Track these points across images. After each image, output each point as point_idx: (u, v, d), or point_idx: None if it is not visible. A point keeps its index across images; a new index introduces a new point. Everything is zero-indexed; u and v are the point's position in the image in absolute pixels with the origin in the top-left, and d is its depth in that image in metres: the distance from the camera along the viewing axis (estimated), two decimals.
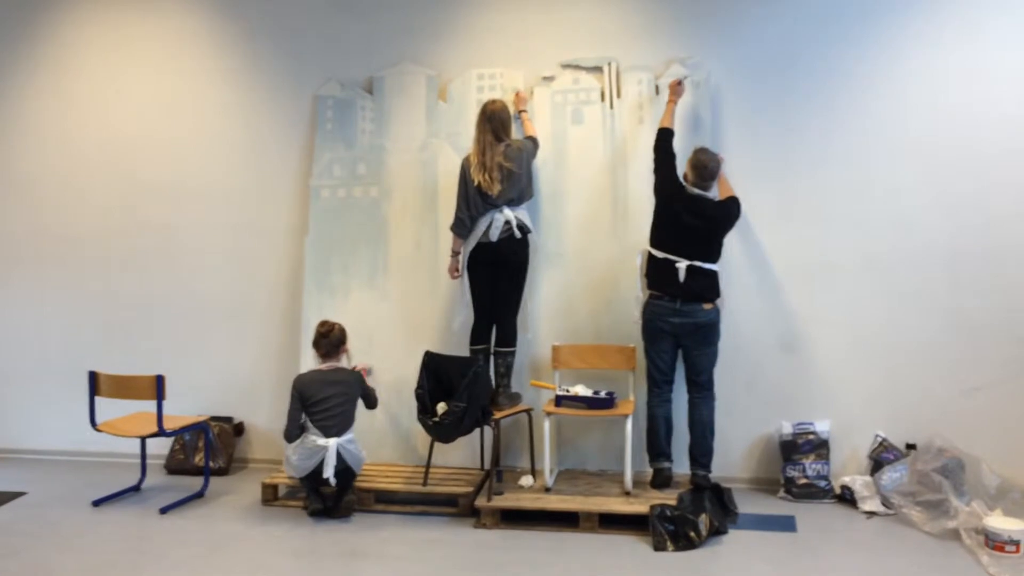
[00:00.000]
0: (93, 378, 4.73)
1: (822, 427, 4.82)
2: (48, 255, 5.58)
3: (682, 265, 4.47)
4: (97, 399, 4.74)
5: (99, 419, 4.75)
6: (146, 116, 5.48)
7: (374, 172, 5.20)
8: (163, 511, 4.59)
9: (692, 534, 4.11)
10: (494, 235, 4.67)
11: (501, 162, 4.58)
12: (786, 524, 4.39)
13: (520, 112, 4.97)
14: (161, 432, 4.62)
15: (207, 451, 5.01)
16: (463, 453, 4.98)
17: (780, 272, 4.93)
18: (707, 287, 4.52)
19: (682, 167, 4.63)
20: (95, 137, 5.53)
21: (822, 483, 4.73)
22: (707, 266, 4.51)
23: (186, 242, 5.46)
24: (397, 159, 5.18)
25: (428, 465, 4.73)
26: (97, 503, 4.71)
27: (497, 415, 4.61)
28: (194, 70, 5.43)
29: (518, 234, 4.68)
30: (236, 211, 5.41)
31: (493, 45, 5.15)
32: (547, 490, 4.57)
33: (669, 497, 4.40)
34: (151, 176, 5.48)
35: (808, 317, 4.91)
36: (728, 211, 4.57)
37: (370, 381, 4.77)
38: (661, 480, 4.61)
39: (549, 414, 4.61)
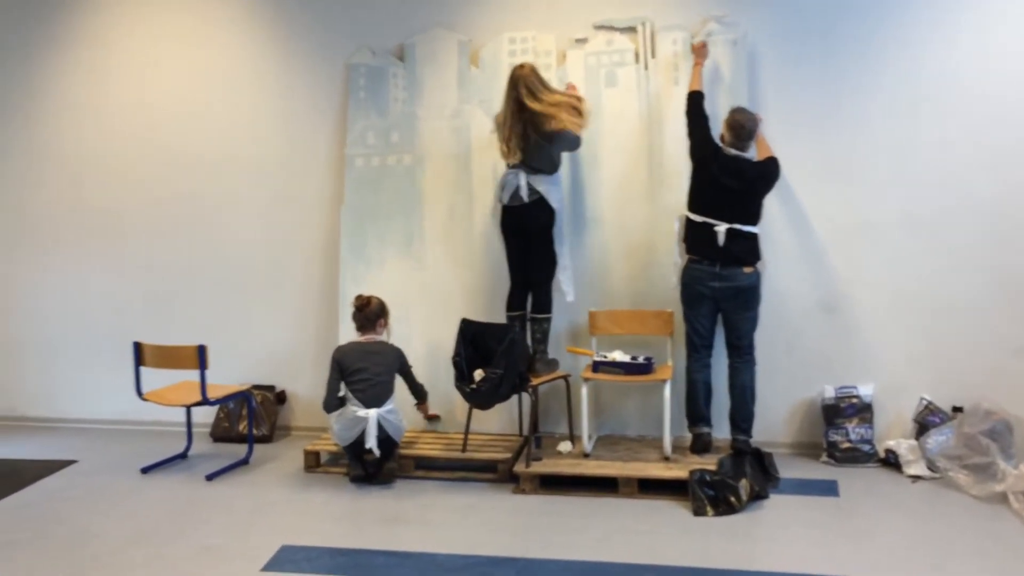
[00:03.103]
0: (138, 349, 4.82)
1: (865, 390, 4.74)
2: (89, 229, 5.67)
3: (721, 228, 4.40)
4: (142, 369, 4.84)
5: (145, 389, 4.84)
6: (181, 88, 5.51)
7: (407, 140, 5.19)
8: (209, 478, 4.68)
9: (732, 499, 4.09)
10: (504, 198, 4.63)
11: (522, 132, 4.50)
12: (828, 489, 4.35)
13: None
14: (205, 401, 4.71)
15: (250, 419, 5.09)
16: (501, 419, 4.99)
17: (821, 233, 4.83)
18: (747, 250, 4.45)
19: (718, 128, 4.54)
20: (131, 110, 5.57)
21: (866, 447, 4.67)
22: (747, 229, 4.44)
23: (224, 213, 5.51)
24: (430, 126, 5.16)
25: (467, 431, 4.76)
26: (146, 470, 4.82)
27: (535, 381, 4.61)
28: (228, 41, 5.44)
29: (526, 200, 4.60)
30: (272, 181, 5.44)
31: (524, 8, 5.07)
32: (586, 456, 4.57)
33: (709, 462, 4.37)
34: (188, 148, 5.52)
35: (850, 278, 4.82)
36: (767, 171, 4.48)
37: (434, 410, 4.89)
38: (701, 445, 4.58)
39: (587, 380, 4.60)
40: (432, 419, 4.91)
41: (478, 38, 5.13)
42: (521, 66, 4.59)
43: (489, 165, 4.95)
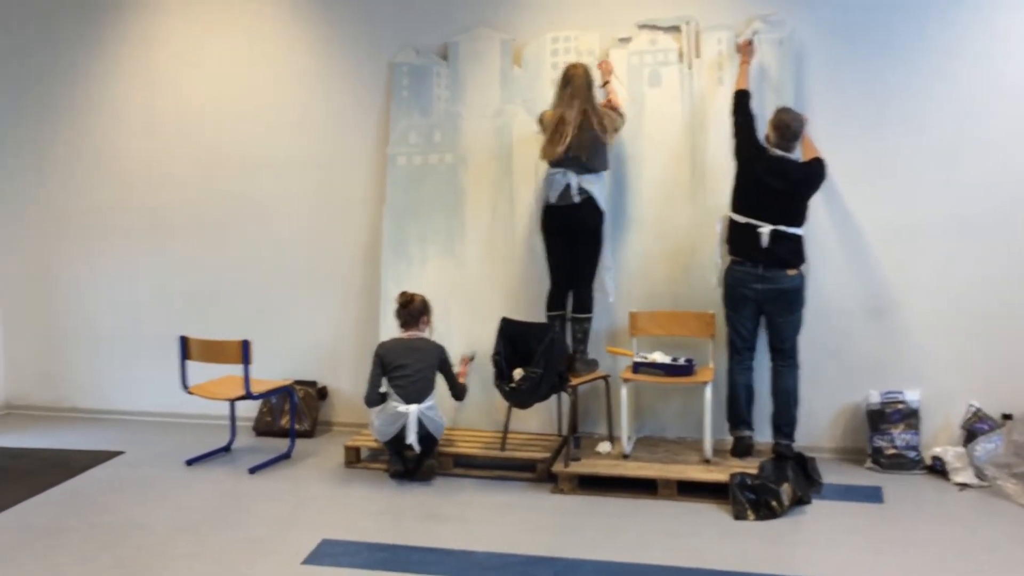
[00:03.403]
0: (184, 343, 4.91)
1: (912, 396, 4.66)
2: (136, 225, 5.77)
3: (765, 230, 4.35)
4: (187, 363, 4.92)
5: (190, 382, 4.92)
6: (225, 88, 5.59)
7: (449, 139, 5.21)
8: (252, 471, 4.74)
9: (774, 503, 4.05)
10: (552, 197, 4.62)
11: (576, 130, 4.49)
12: (873, 495, 4.28)
13: (605, 82, 4.84)
14: (248, 395, 4.78)
15: (292, 414, 5.15)
16: (540, 419, 4.99)
17: (867, 235, 4.76)
18: (791, 252, 4.39)
19: (764, 128, 4.49)
20: (176, 110, 5.66)
21: (911, 454, 4.59)
22: (791, 230, 4.38)
23: (267, 210, 5.58)
24: (472, 125, 5.17)
25: (506, 430, 4.76)
26: (190, 462, 4.90)
27: (574, 381, 4.60)
28: (272, 41, 5.50)
29: (577, 199, 4.60)
30: (315, 179, 5.50)
31: (568, 7, 5.06)
32: (625, 457, 4.55)
33: (750, 466, 4.33)
34: (232, 146, 5.60)
35: (897, 282, 4.74)
36: (813, 172, 4.42)
37: (470, 368, 4.88)
38: (742, 448, 4.54)
39: (626, 381, 4.58)
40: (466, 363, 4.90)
41: (521, 37, 5.13)
42: (575, 65, 4.61)
43: (531, 164, 4.94)
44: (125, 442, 5.30)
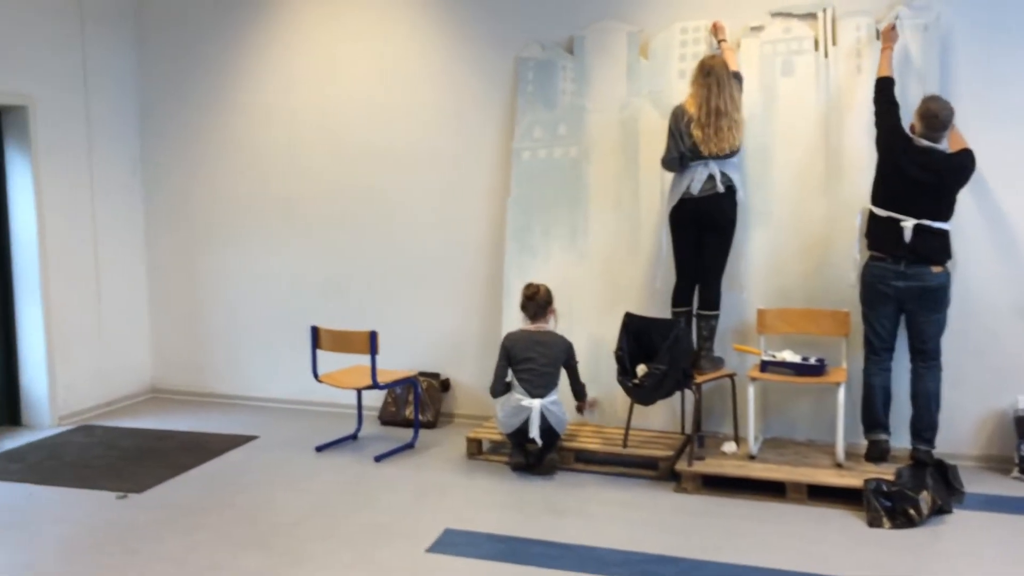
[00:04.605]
0: (315, 333, 5.07)
1: None
2: (272, 219, 6.00)
3: (908, 224, 4.15)
4: (318, 352, 5.08)
5: (320, 371, 5.09)
6: (358, 86, 5.74)
7: (574, 133, 5.18)
8: (377, 459, 4.86)
9: (912, 512, 3.85)
10: (695, 188, 4.53)
11: (723, 117, 4.43)
12: (1019, 507, 4.04)
13: (719, 41, 4.76)
14: (375, 385, 4.90)
15: (416, 405, 5.25)
16: (663, 416, 4.92)
17: (1019, 231, 4.47)
18: (936, 248, 4.17)
19: (908, 118, 4.27)
20: (313, 107, 5.85)
21: None
22: (937, 225, 4.16)
23: (395, 204, 5.70)
24: (597, 119, 5.13)
25: (627, 427, 4.71)
26: (320, 448, 5.06)
27: (699, 379, 4.51)
28: (403, 40, 5.61)
29: (721, 189, 4.51)
30: (442, 173, 5.58)
31: None
32: (751, 458, 4.43)
33: (885, 471, 4.14)
34: (363, 141, 5.75)
35: None
36: (962, 164, 4.18)
37: (589, 410, 4.84)
38: (877, 453, 4.34)
39: (754, 379, 4.45)
40: (590, 407, 4.85)
41: (648, 28, 5.05)
42: (712, 56, 4.57)
43: (656, 157, 4.85)
44: (259, 427, 5.54)
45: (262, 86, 5.95)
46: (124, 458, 4.93)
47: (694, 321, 4.71)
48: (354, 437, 5.29)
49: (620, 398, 4.79)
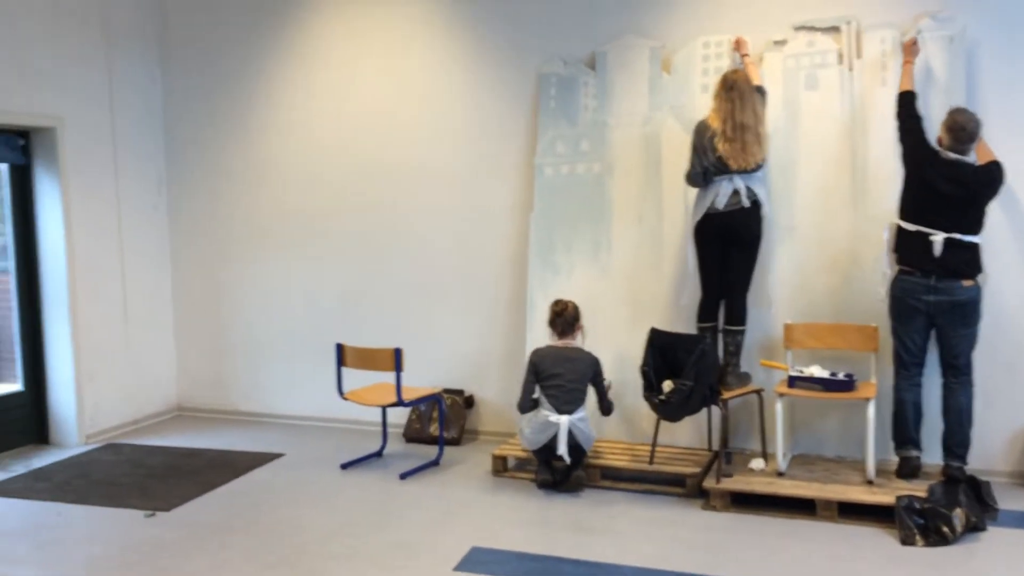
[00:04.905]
0: (340, 350, 5.08)
1: None
2: (294, 236, 6.02)
3: (938, 238, 4.11)
4: (342, 369, 5.08)
5: (345, 388, 5.09)
6: (379, 102, 5.76)
7: (596, 148, 5.18)
8: (403, 477, 4.85)
9: (945, 529, 3.80)
10: (721, 203, 4.51)
11: (748, 131, 4.41)
12: None
13: (742, 56, 4.75)
14: (400, 402, 4.89)
15: (441, 422, 5.23)
16: (689, 433, 4.88)
17: None
18: (967, 262, 4.13)
19: (934, 131, 4.24)
20: (332, 123, 5.88)
21: None
22: (967, 238, 4.11)
23: (418, 219, 5.71)
24: (619, 134, 5.13)
25: (654, 444, 4.68)
26: (345, 466, 5.06)
27: (726, 395, 4.47)
28: (424, 55, 5.63)
29: (747, 203, 4.49)
30: (464, 189, 5.59)
31: (719, 11, 4.94)
32: (780, 474, 4.38)
33: (917, 488, 4.08)
34: (384, 157, 5.76)
35: None
36: (991, 176, 4.13)
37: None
38: (908, 470, 4.29)
39: (781, 395, 4.41)
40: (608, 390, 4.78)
41: (670, 43, 5.05)
42: (735, 71, 4.56)
43: (680, 172, 4.84)
44: (284, 444, 5.54)
45: (284, 102, 5.99)
46: (151, 476, 4.95)
47: (720, 336, 4.68)
48: (379, 454, 5.29)
49: (646, 414, 4.76)
